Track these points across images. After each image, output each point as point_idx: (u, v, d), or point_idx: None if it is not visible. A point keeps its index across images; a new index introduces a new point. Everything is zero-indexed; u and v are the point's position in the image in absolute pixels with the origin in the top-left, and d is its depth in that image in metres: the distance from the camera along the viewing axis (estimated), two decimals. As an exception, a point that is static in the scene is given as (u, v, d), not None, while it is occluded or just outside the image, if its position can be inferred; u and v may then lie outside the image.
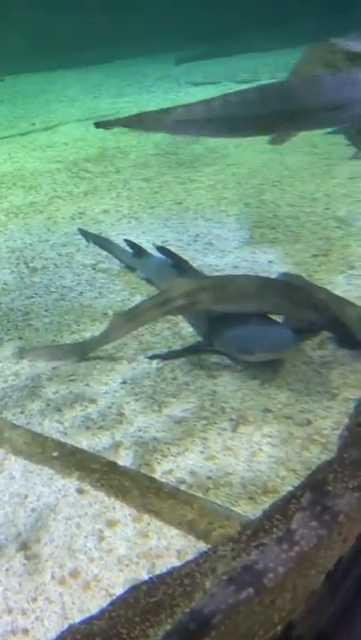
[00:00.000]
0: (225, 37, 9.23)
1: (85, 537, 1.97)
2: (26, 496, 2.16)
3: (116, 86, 8.73)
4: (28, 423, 2.52)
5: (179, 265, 3.21)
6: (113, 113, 7.47)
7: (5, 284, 3.76)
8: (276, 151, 5.42)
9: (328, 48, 4.61)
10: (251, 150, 5.52)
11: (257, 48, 9.14)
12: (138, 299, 3.43)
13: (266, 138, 5.37)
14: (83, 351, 2.91)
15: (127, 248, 3.70)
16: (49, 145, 6.57)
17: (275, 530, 1.34)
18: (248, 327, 2.65)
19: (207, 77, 8.38)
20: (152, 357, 2.87)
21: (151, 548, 1.90)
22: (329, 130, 5.35)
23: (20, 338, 3.17)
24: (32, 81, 9.64)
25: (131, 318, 2.82)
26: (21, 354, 2.98)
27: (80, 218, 4.63)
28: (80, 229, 4.07)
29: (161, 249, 3.35)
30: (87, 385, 2.74)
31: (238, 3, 9.84)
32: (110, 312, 3.32)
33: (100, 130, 7.14)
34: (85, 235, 3.98)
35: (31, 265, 3.98)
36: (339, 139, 5.24)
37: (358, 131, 5.06)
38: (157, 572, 1.70)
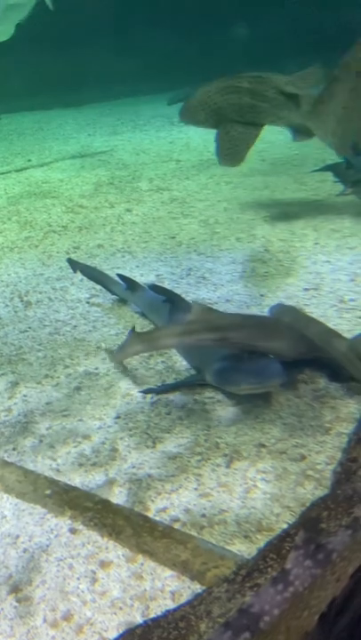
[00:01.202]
0: (215, 78, 9.56)
1: (78, 579, 1.94)
2: (18, 536, 2.12)
3: (111, 125, 8.97)
4: (20, 460, 2.49)
5: (173, 300, 3.24)
6: (107, 150, 7.66)
7: (-1, 318, 3.78)
8: (267, 188, 5.56)
9: (254, 80, 4.64)
10: (242, 187, 5.66)
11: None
12: (132, 332, 3.46)
13: (259, 176, 5.52)
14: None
15: (119, 280, 3.73)
16: (44, 181, 6.69)
17: (269, 569, 1.33)
18: (235, 360, 2.67)
19: (199, 116, 8.64)
20: (146, 392, 2.87)
21: (145, 589, 1.86)
22: (317, 167, 5.52)
23: (13, 372, 3.17)
24: (28, 119, 9.89)
25: (148, 339, 2.84)
26: None
27: (75, 252, 4.68)
28: (69, 259, 4.10)
29: (155, 287, 3.38)
30: (81, 420, 2.73)
31: (227, 46, 10.25)
32: (104, 345, 3.34)
33: (95, 166, 7.31)
34: (73, 264, 3.99)
35: (25, 299, 4.00)
36: (327, 176, 5.39)
37: (346, 168, 5.22)
38: (152, 614, 1.67)
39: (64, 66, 10.35)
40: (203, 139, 7.69)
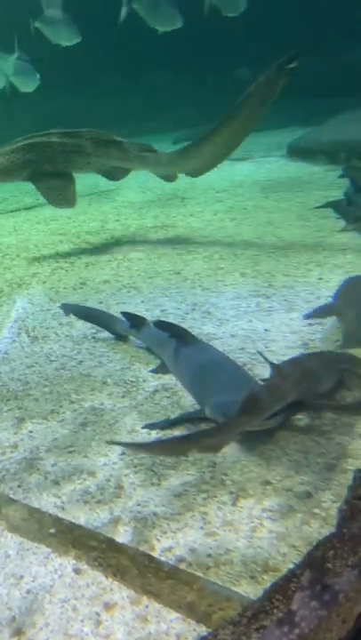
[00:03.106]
0: (219, 118, 9.90)
1: (82, 621, 1.90)
2: (22, 577, 2.09)
3: (117, 163, 9.22)
4: (25, 497, 2.48)
5: (179, 336, 3.26)
6: (114, 188, 7.86)
7: (6, 353, 3.82)
8: (270, 224, 5.67)
9: (65, 136, 5.24)
10: (246, 224, 5.77)
11: (250, 129, 9.80)
12: (137, 367, 3.48)
13: (263, 213, 5.76)
14: None
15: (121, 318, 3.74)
16: (53, 218, 6.86)
17: (275, 611, 1.31)
18: (235, 393, 2.67)
19: (203, 155, 8.88)
20: (150, 427, 2.87)
21: (150, 632, 1.82)
22: (319, 204, 5.65)
23: (20, 408, 3.18)
24: (38, 158, 10.21)
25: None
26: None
27: (82, 287, 4.76)
28: (63, 304, 4.09)
29: (159, 324, 3.40)
30: (86, 457, 2.72)
31: (230, 87, 10.65)
32: (110, 381, 3.35)
33: (102, 204, 7.48)
34: (66, 308, 4.01)
35: (32, 334, 4.05)
36: (329, 212, 5.50)
37: (347, 205, 5.35)
38: (156, 659, 1.64)
39: (72, 107, 10.73)
40: (207, 176, 7.85)
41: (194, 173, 5.23)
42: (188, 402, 3.04)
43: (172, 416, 2.92)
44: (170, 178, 5.31)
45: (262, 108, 4.70)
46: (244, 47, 9.91)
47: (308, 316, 3.65)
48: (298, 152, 7.93)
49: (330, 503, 2.19)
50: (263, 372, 3.21)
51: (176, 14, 8.15)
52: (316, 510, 2.18)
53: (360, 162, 6.56)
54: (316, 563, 1.34)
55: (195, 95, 10.39)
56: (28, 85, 8.91)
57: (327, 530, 1.95)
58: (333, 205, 5.44)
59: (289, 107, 9.81)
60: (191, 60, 10.35)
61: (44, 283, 4.95)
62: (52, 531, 2.26)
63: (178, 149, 5.30)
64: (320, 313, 3.58)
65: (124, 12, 8.09)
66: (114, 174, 5.37)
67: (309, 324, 3.69)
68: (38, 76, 8.87)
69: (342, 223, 5.28)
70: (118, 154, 5.20)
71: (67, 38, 8.84)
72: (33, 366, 3.62)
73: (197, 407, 2.93)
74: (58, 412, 3.10)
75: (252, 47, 9.89)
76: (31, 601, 1.99)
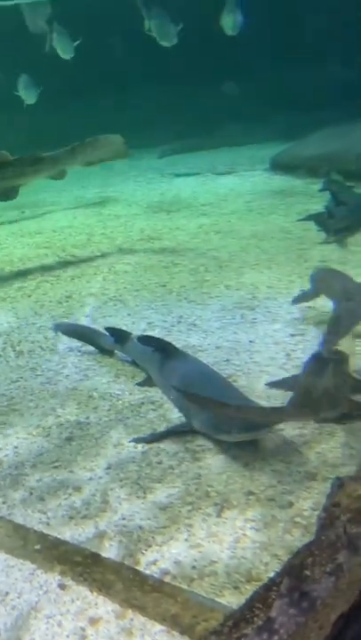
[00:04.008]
0: (204, 133, 10.05)
1: (67, 636, 1.91)
2: (7, 593, 2.09)
3: (102, 177, 9.28)
4: (10, 514, 2.48)
5: (164, 349, 3.30)
6: (100, 201, 7.91)
7: (-9, 368, 3.81)
8: (254, 237, 5.75)
9: None
10: (231, 237, 5.84)
11: (234, 142, 9.95)
12: (123, 380, 3.50)
13: (247, 226, 5.90)
14: None
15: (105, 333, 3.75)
16: (37, 231, 6.88)
17: (256, 619, 1.34)
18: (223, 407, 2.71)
19: (189, 169, 8.98)
20: (137, 441, 2.88)
21: (135, 646, 1.83)
22: (301, 217, 5.76)
23: (4, 423, 3.18)
24: (23, 172, 10.24)
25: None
26: None
27: (67, 301, 4.78)
28: (55, 324, 4.11)
29: (143, 338, 3.43)
30: (71, 472, 2.73)
31: (215, 101, 10.80)
32: (96, 394, 3.37)
33: (88, 217, 7.53)
34: (56, 329, 4.03)
35: (17, 348, 4.05)
36: (311, 225, 5.60)
37: (328, 217, 5.45)
38: (141, 673, 1.65)
39: (58, 122, 10.78)
40: (193, 190, 7.99)
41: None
42: (175, 415, 3.06)
43: (159, 429, 2.94)
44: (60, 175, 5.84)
45: None
46: (231, 61, 10.08)
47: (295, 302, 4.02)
48: (280, 166, 8.07)
49: (311, 511, 2.23)
50: (248, 383, 3.26)
51: (175, 30, 8.38)
52: (298, 519, 2.22)
53: (340, 176, 6.69)
54: (295, 570, 1.37)
55: (180, 110, 10.53)
56: (31, 97, 9.18)
57: (308, 538, 1.97)
58: (315, 218, 5.55)
59: (273, 121, 10.00)
60: (178, 75, 10.50)
61: (30, 296, 4.96)
62: (38, 547, 2.26)
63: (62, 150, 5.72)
64: (302, 298, 4.01)
65: (147, 25, 8.35)
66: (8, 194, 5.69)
67: (292, 335, 3.75)
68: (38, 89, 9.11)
69: (324, 236, 5.38)
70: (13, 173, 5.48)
71: (64, 51, 9.09)
72: (18, 381, 3.62)
73: (183, 420, 2.96)
74: (43, 427, 3.11)
75: (239, 62, 10.07)
76: (16, 617, 1.99)
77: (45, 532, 2.34)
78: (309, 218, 5.60)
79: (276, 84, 10.73)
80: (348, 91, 9.96)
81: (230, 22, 8.33)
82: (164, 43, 8.52)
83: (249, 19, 8.38)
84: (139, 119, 10.61)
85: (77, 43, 8.98)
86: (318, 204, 6.13)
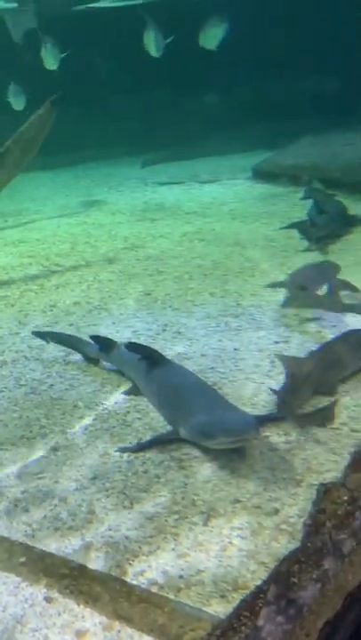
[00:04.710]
0: (187, 142, 10.11)
1: (53, 650, 1.88)
2: (-9, 607, 2.06)
3: (86, 186, 9.29)
4: (-6, 526, 2.45)
5: (150, 357, 3.30)
6: (83, 210, 7.91)
7: (-25, 378, 3.77)
8: (238, 245, 5.79)
9: None
10: (215, 244, 5.88)
11: (216, 152, 10.03)
12: (108, 389, 3.49)
13: (230, 234, 5.97)
14: None
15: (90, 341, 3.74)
16: (21, 240, 6.84)
17: (243, 628, 1.34)
18: (209, 413, 2.72)
19: (172, 178, 9.02)
20: (123, 450, 2.87)
21: (122, 658, 1.82)
22: (284, 225, 5.83)
23: (-11, 434, 3.14)
24: (7, 181, 10.18)
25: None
26: None
27: (51, 310, 4.75)
28: (34, 332, 4.08)
29: (129, 346, 3.43)
30: (57, 482, 2.71)
31: (197, 111, 10.91)
32: (81, 404, 3.35)
33: (72, 226, 7.51)
34: (42, 336, 4.01)
35: (1, 358, 4.02)
36: (293, 232, 5.67)
37: (310, 226, 5.53)
38: None
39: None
40: (176, 198, 8.02)
41: None
42: (160, 423, 3.06)
43: (145, 438, 2.94)
44: None
45: (41, 134, 6.11)
46: (213, 74, 10.19)
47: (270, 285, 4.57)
48: (262, 174, 8.15)
49: (296, 518, 2.24)
50: (233, 390, 3.28)
51: (163, 42, 8.51)
52: (284, 526, 2.23)
53: (321, 184, 6.79)
54: (282, 577, 1.38)
55: (163, 120, 10.61)
56: (19, 105, 9.31)
57: (294, 545, 1.99)
58: (297, 226, 5.62)
59: (255, 130, 10.11)
60: (160, 85, 10.58)
61: (13, 306, 4.92)
62: (23, 559, 2.23)
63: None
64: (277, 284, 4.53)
65: (160, 40, 8.47)
66: None
67: (276, 342, 3.78)
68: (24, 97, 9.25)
69: (306, 243, 5.44)
70: None
71: (50, 63, 9.15)
72: (2, 391, 3.58)
73: (169, 428, 2.96)
74: (28, 438, 3.08)
75: (221, 73, 10.20)
76: (1, 631, 1.96)
77: (31, 544, 2.31)
78: (292, 226, 5.67)
79: (256, 95, 10.88)
80: (326, 101, 10.17)
81: (211, 36, 8.49)
82: (152, 53, 8.61)
83: (230, 31, 8.51)
84: (121, 129, 10.65)
85: (64, 55, 9.03)
86: (301, 212, 6.20)
